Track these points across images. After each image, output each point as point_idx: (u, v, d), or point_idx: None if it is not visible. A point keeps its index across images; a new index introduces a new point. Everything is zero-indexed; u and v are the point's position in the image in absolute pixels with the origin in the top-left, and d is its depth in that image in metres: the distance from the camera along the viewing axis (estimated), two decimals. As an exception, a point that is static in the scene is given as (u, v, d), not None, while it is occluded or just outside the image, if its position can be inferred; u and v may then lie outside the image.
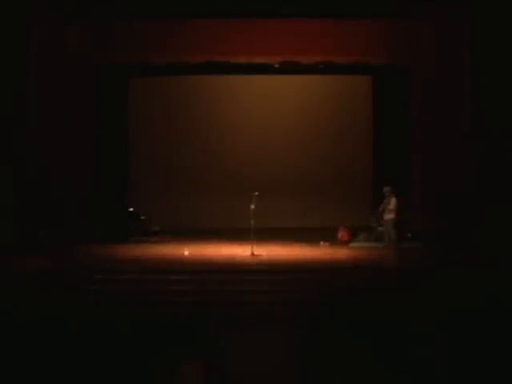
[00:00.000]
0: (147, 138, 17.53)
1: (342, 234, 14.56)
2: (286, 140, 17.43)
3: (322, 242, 14.16)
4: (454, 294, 9.30)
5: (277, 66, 15.94)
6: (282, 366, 7.65)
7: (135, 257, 12.78)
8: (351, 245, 14.31)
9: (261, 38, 14.90)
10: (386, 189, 13.57)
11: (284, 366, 7.55)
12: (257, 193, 12.68)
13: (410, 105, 15.62)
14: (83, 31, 15.39)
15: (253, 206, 12.60)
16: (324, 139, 17.49)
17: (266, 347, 8.70)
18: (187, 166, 17.39)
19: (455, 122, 14.84)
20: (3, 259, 11.89)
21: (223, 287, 10.64)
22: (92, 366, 5.33)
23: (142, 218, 15.16)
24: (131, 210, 15.27)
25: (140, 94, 17.22)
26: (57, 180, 14.92)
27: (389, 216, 13.53)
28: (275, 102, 17.55)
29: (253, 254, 12.43)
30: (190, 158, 17.46)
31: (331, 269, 11.51)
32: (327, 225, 15.44)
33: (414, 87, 15.52)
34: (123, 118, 16.64)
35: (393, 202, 13.47)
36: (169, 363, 5.51)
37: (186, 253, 13.31)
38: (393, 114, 15.93)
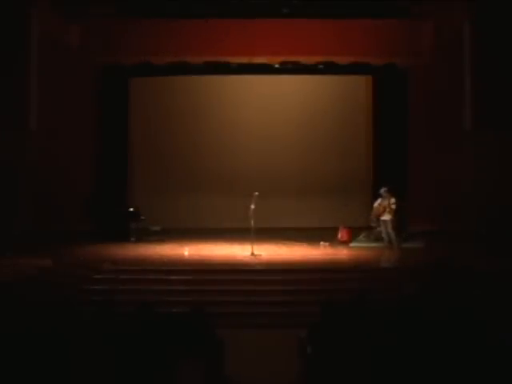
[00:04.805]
0: (147, 138, 17.51)
1: (341, 234, 14.55)
2: (286, 140, 17.40)
3: (322, 242, 14.15)
4: (454, 295, 9.30)
5: (277, 66, 15.92)
6: (281, 367, 7.66)
7: (135, 257, 12.78)
8: (351, 245, 14.31)
9: (261, 38, 14.88)
10: (383, 189, 13.71)
11: (284, 367, 7.56)
12: (257, 193, 12.67)
13: (410, 105, 15.60)
14: (83, 31, 15.38)
15: (253, 206, 12.59)
16: (324, 139, 17.46)
17: (266, 347, 8.70)
18: (187, 166, 17.37)
19: (455, 121, 14.84)
20: (3, 259, 11.89)
21: (223, 287, 10.65)
22: (89, 366, 5.33)
23: (142, 217, 15.15)
24: (131, 209, 15.25)
25: (140, 94, 17.19)
26: (57, 180, 14.91)
27: (388, 216, 13.64)
28: (275, 102, 17.51)
29: (253, 254, 12.43)
30: (189, 157, 17.44)
31: (331, 269, 11.51)
32: (327, 225, 15.42)
33: (414, 87, 15.51)
34: (123, 118, 16.62)
35: (393, 203, 13.58)
36: (168, 363, 5.50)
37: (186, 253, 13.32)
38: (393, 113, 15.91)
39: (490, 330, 5.84)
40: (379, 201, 13.79)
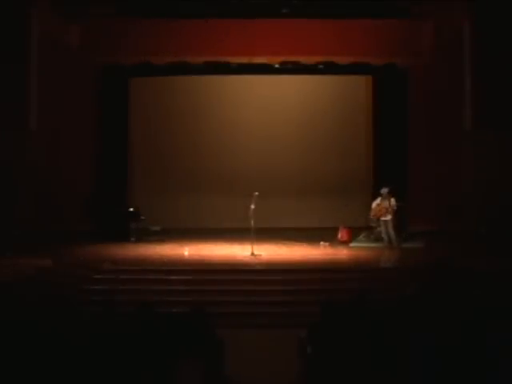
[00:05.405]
0: (147, 138, 17.52)
1: (341, 234, 14.54)
2: (286, 140, 17.41)
3: (321, 242, 14.15)
4: (454, 295, 9.30)
5: (277, 66, 15.92)
6: (281, 367, 7.66)
7: (135, 257, 12.78)
8: (351, 245, 14.31)
9: (261, 37, 14.88)
10: (385, 189, 13.71)
11: (284, 367, 7.56)
12: (257, 193, 12.67)
13: (410, 105, 15.61)
14: (83, 31, 15.38)
15: (253, 206, 12.58)
16: (324, 139, 17.47)
17: (266, 347, 8.71)
18: (187, 166, 17.37)
19: (455, 122, 14.84)
20: (3, 259, 11.89)
21: (223, 287, 10.65)
22: (89, 367, 5.33)
23: (142, 217, 15.15)
24: (131, 209, 15.25)
25: (140, 94, 17.19)
26: (57, 180, 14.91)
27: (389, 217, 13.65)
28: (275, 102, 17.52)
29: (253, 254, 12.43)
30: (189, 157, 17.44)
31: (331, 269, 11.51)
32: (327, 225, 15.43)
33: (414, 87, 15.51)
34: (123, 118, 16.62)
35: (393, 203, 13.62)
36: (168, 363, 5.50)
37: (186, 253, 13.33)
38: (393, 113, 15.91)
39: (489, 330, 5.83)
40: (378, 201, 13.78)
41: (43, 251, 12.49)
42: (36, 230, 13.77)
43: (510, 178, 13.94)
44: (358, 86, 17.45)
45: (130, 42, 15.04)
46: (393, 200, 13.65)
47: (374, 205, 13.86)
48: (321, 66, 15.81)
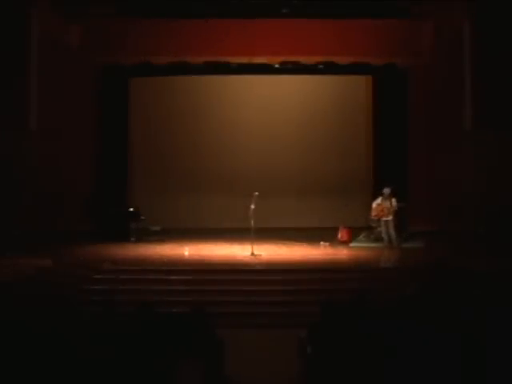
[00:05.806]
0: (147, 138, 17.52)
1: (341, 234, 14.54)
2: (286, 140, 17.41)
3: (322, 242, 14.15)
4: (454, 295, 9.30)
5: (277, 66, 15.93)
6: (281, 367, 7.66)
7: (135, 257, 12.78)
8: (351, 245, 14.31)
9: (261, 37, 14.89)
10: (387, 189, 13.69)
11: (284, 367, 7.56)
12: (257, 193, 12.67)
13: (410, 105, 15.61)
14: (83, 31, 15.39)
15: (253, 206, 12.59)
16: (324, 139, 17.47)
17: (266, 347, 8.71)
18: (187, 166, 17.37)
19: (455, 122, 14.84)
20: (3, 259, 11.89)
21: (223, 287, 10.65)
22: (89, 367, 5.33)
23: (142, 217, 15.15)
24: (131, 209, 15.25)
25: (140, 94, 17.20)
26: (57, 180, 14.91)
27: (390, 217, 13.65)
28: (275, 102, 17.52)
29: (253, 254, 12.43)
30: (189, 157, 17.44)
31: (331, 269, 11.51)
32: (327, 225, 15.43)
33: (414, 87, 15.52)
34: (123, 118, 16.62)
35: (394, 204, 13.61)
36: (168, 363, 5.50)
37: (186, 253, 13.33)
38: (393, 113, 15.91)
39: (489, 329, 5.83)
40: (378, 201, 13.78)
41: (43, 251, 12.49)
42: (36, 230, 13.77)
43: (510, 178, 13.94)
44: (357, 86, 17.46)
45: (130, 41, 15.05)
46: (394, 200, 13.66)
47: (374, 205, 13.85)
48: (321, 66, 15.81)
